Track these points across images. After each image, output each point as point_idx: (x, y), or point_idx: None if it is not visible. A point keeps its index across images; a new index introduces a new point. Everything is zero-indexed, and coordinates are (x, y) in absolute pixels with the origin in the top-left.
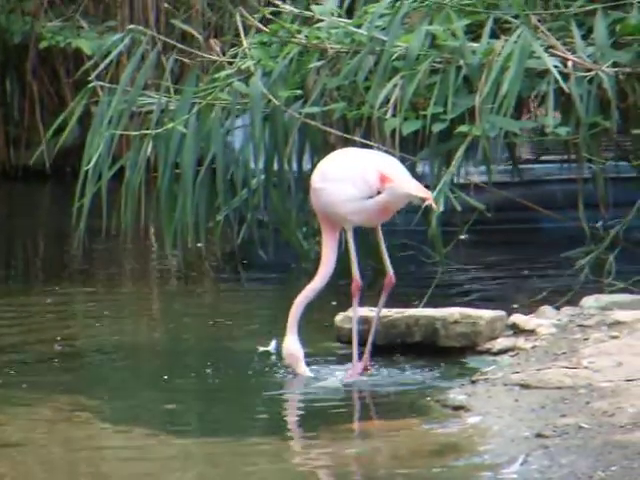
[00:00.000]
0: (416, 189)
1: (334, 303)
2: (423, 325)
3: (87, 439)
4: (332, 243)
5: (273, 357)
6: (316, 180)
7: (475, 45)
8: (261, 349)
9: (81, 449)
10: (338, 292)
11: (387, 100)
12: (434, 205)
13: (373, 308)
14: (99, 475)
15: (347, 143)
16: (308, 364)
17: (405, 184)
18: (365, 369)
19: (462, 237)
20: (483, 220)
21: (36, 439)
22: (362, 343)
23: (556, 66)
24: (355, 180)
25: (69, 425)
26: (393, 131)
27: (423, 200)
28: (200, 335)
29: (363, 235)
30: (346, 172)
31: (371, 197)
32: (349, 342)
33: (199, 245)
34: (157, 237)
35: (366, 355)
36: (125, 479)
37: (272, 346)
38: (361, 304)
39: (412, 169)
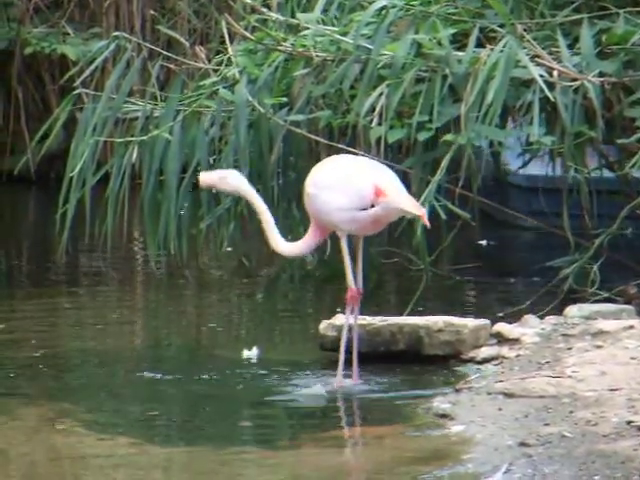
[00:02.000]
0: (410, 206)
1: (311, 311)
2: (407, 333)
3: (70, 447)
4: (317, 233)
5: (256, 363)
6: (310, 185)
7: (461, 54)
8: (245, 354)
9: (64, 457)
10: (322, 299)
11: (373, 108)
12: (426, 222)
13: (359, 316)
14: None
15: (332, 151)
16: (291, 372)
17: (399, 199)
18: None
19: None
20: None
21: (19, 447)
22: (346, 350)
23: (542, 75)
24: (349, 191)
25: (52, 433)
26: (378, 139)
27: (417, 217)
28: (184, 341)
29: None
30: (341, 182)
31: (364, 209)
32: (332, 350)
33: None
34: (141, 244)
35: (355, 369)
36: None
37: (254, 352)
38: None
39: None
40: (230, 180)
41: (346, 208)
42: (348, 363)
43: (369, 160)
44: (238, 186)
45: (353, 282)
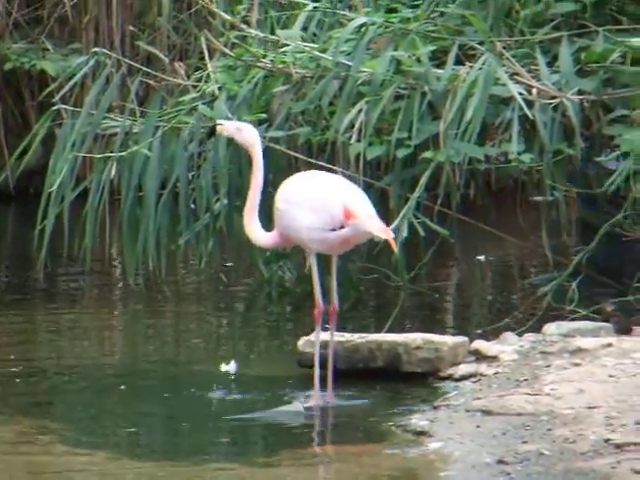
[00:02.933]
0: (378, 230)
1: (290, 327)
2: (385, 350)
3: (48, 463)
4: (279, 241)
5: (234, 379)
6: (280, 200)
7: (440, 71)
8: (223, 368)
9: (42, 472)
10: (301, 316)
11: (352, 125)
12: (394, 247)
13: (337, 333)
14: None
15: (311, 167)
16: (269, 389)
17: (368, 223)
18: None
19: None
20: None
21: None
22: (322, 367)
23: (521, 93)
24: (319, 210)
25: (31, 447)
26: (357, 156)
27: (385, 241)
28: (163, 357)
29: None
30: (311, 200)
31: (334, 230)
32: (311, 366)
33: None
34: (120, 259)
35: (329, 386)
36: None
37: (232, 366)
38: (325, 328)
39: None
40: (245, 134)
41: (316, 227)
42: (325, 380)
43: (340, 179)
44: (251, 143)
45: (320, 299)
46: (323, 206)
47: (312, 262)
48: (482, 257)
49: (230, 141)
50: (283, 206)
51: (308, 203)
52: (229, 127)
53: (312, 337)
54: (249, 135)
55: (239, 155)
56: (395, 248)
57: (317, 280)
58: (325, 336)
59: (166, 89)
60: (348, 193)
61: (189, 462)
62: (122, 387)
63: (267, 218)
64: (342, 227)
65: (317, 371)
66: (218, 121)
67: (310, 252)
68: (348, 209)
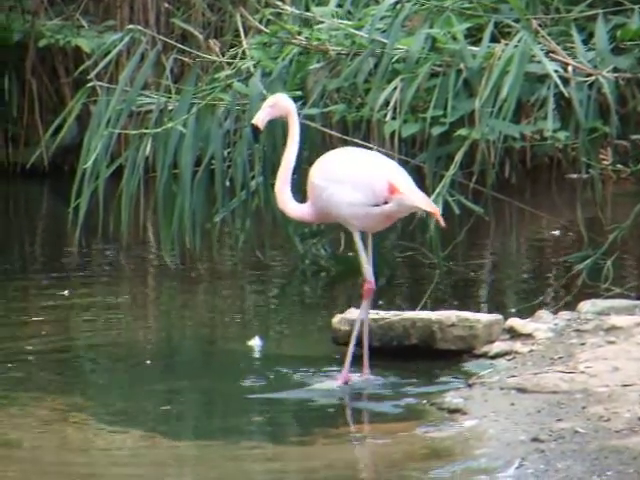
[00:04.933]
0: (424, 203)
1: (324, 305)
2: (420, 328)
3: (82, 440)
4: (314, 216)
5: (268, 357)
6: (317, 176)
7: (475, 49)
8: (249, 344)
9: (75, 450)
10: (335, 294)
11: (387, 102)
12: (441, 220)
13: (372, 310)
14: (93, 476)
15: (346, 145)
16: (303, 366)
17: (414, 197)
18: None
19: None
20: None
21: (30, 440)
22: (358, 344)
23: (556, 71)
24: (363, 187)
25: (64, 426)
26: (392, 133)
27: (430, 214)
28: (197, 335)
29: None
30: (353, 176)
31: (377, 205)
32: (345, 344)
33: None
34: (155, 236)
35: (365, 363)
36: None
37: (256, 342)
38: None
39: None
40: (280, 104)
41: (359, 204)
42: (359, 358)
43: (378, 154)
44: (287, 111)
45: (371, 275)
46: (366, 182)
47: (356, 239)
48: (557, 232)
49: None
50: (322, 183)
51: (350, 180)
52: (262, 115)
53: (357, 314)
54: (284, 104)
55: (274, 131)
56: (441, 221)
57: (364, 255)
58: (357, 314)
59: (201, 66)
60: (390, 168)
61: (222, 441)
62: (155, 365)
63: (301, 193)
64: (386, 202)
65: (351, 349)
66: (252, 121)
67: (354, 230)
68: (392, 184)
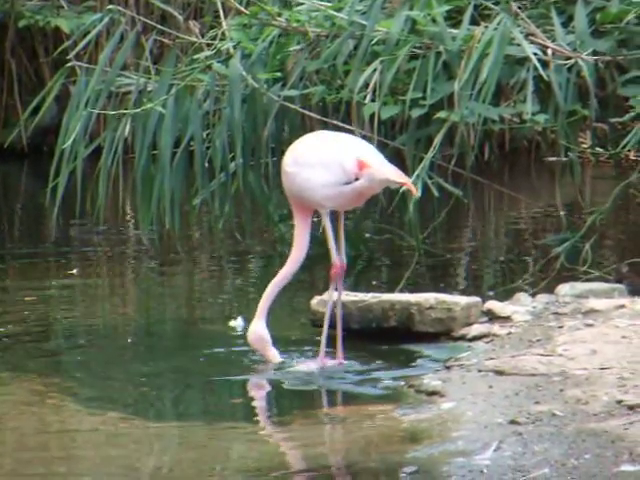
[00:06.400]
0: (395, 174)
1: (303, 287)
2: (399, 310)
3: (60, 422)
4: (304, 226)
5: (242, 337)
6: (289, 164)
7: (455, 31)
8: (230, 324)
9: (54, 431)
10: (314, 275)
11: (366, 84)
12: (413, 189)
13: (349, 292)
14: (72, 458)
15: (326, 127)
16: (281, 348)
17: (384, 169)
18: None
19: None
20: None
21: (9, 421)
22: (333, 327)
23: (536, 53)
24: (332, 166)
25: (42, 407)
26: (372, 116)
27: (401, 185)
28: (175, 316)
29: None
30: (322, 157)
31: (348, 183)
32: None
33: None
34: (133, 218)
35: (339, 346)
36: (98, 462)
37: (239, 322)
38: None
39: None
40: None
41: (329, 184)
42: (334, 340)
43: (347, 135)
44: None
45: (337, 258)
46: (335, 161)
47: (325, 222)
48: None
49: (245, 98)
50: (292, 169)
51: (318, 161)
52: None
53: (325, 296)
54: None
55: (254, 112)
56: (414, 190)
57: (332, 237)
58: (334, 296)
59: (180, 47)
60: (357, 145)
61: (201, 422)
62: (135, 346)
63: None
64: (357, 179)
65: (325, 331)
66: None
67: (323, 213)
68: (361, 160)
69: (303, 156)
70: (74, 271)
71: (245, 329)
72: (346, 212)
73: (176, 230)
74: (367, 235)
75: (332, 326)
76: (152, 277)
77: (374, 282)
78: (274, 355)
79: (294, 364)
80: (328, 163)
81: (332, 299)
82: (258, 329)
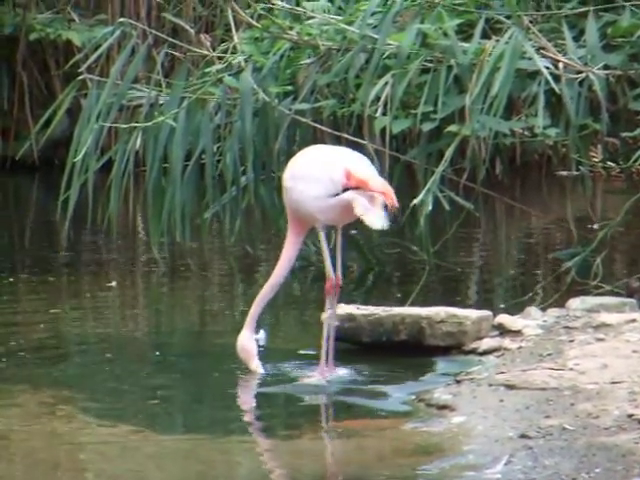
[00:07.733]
0: (378, 185)
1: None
2: (409, 324)
3: (70, 434)
4: (295, 240)
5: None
6: (286, 178)
7: (466, 45)
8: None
9: (63, 444)
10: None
11: (377, 98)
12: (394, 201)
13: (360, 306)
14: (81, 470)
15: (337, 141)
16: (292, 361)
17: (368, 179)
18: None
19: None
20: None
21: (18, 432)
22: (348, 340)
23: (547, 67)
24: (322, 178)
25: (52, 419)
26: (383, 129)
27: (384, 197)
28: (186, 328)
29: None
30: (313, 170)
31: (337, 194)
32: (335, 339)
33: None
34: (144, 231)
35: (322, 359)
36: (107, 475)
37: (261, 335)
38: (350, 301)
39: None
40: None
41: (322, 196)
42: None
43: (344, 148)
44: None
45: (332, 272)
46: (324, 172)
47: (321, 238)
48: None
49: (256, 112)
50: (289, 183)
51: (310, 174)
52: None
53: (345, 309)
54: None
55: (266, 126)
56: (394, 201)
57: (327, 253)
58: (348, 309)
59: (192, 61)
60: (348, 157)
61: (211, 435)
62: (145, 358)
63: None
64: (346, 190)
65: (325, 346)
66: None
67: (320, 228)
68: (348, 170)
69: (298, 170)
70: (111, 284)
71: (262, 347)
72: (350, 226)
73: (187, 243)
74: (378, 249)
75: (339, 338)
76: (163, 290)
77: (385, 296)
78: (257, 366)
79: (305, 377)
80: (319, 176)
81: (329, 313)
82: (245, 341)
